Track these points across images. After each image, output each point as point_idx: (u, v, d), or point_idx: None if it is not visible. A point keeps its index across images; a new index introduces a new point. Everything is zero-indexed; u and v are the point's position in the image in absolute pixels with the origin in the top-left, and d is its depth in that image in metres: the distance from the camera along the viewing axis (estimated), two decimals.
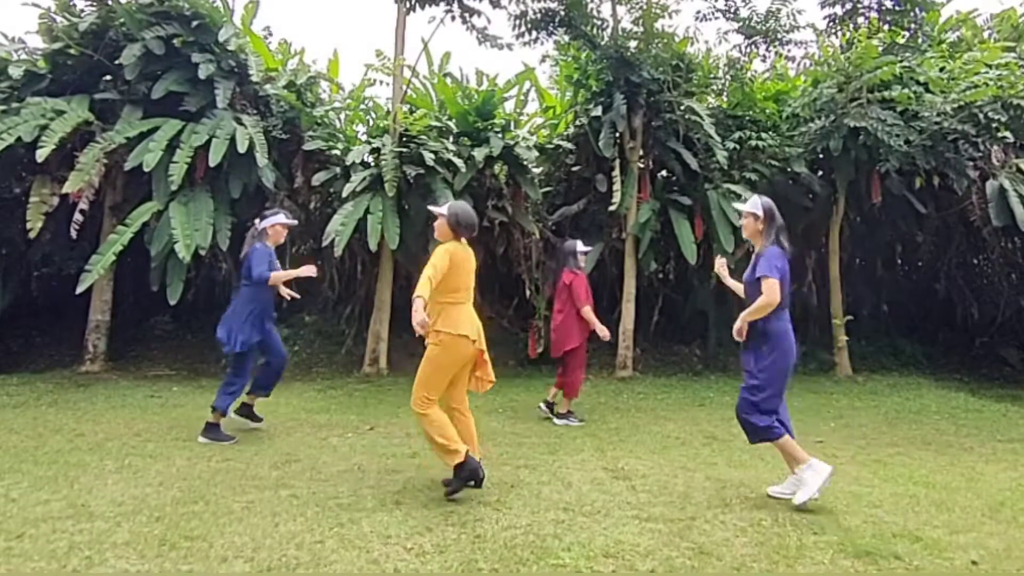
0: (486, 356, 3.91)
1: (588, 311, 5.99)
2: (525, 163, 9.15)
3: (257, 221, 5.33)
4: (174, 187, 7.60)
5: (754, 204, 3.81)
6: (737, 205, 4.03)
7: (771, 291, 3.61)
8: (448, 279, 3.68)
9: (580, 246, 6.23)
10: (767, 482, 4.06)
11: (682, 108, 8.94)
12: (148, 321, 9.58)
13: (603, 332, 6.00)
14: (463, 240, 3.88)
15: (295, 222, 5.71)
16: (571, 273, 6.07)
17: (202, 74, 7.83)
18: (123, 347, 8.90)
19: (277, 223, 5.22)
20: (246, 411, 5.38)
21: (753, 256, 3.85)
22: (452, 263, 3.68)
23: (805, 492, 3.50)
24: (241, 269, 5.23)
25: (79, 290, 7.51)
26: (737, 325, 3.72)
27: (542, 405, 6.25)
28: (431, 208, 4.13)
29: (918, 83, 8.44)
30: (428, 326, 3.65)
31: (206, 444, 4.81)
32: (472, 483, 3.63)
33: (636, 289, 9.15)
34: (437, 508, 3.43)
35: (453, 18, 8.58)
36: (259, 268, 4.94)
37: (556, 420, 6.02)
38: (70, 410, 6.07)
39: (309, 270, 5.25)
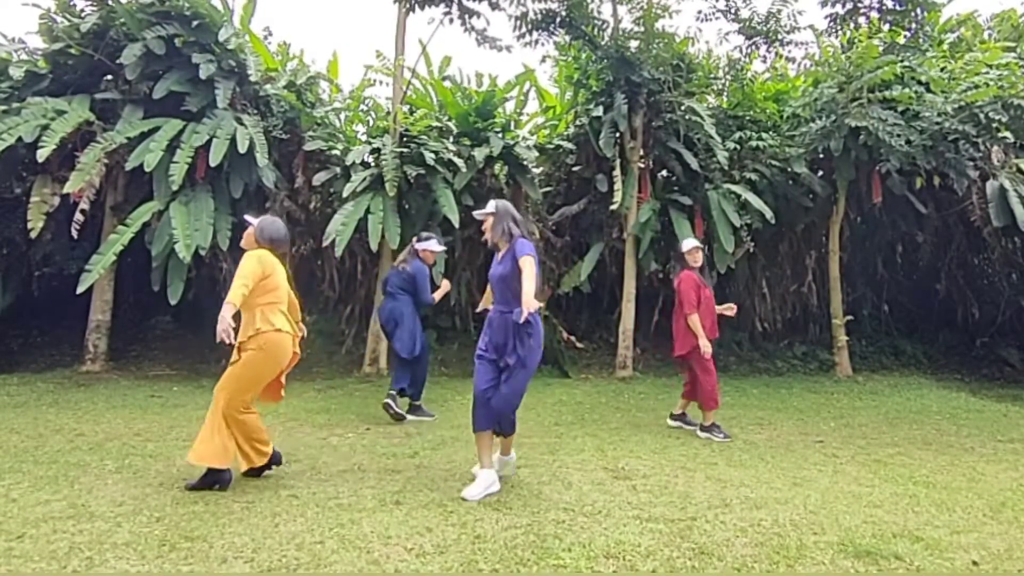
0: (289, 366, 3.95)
1: (694, 320, 5.47)
2: (525, 163, 9.15)
3: (414, 240, 6.16)
4: (175, 187, 7.60)
5: (490, 206, 4.03)
6: (476, 214, 4.16)
7: (530, 277, 3.62)
8: (266, 282, 3.74)
9: (686, 244, 5.83)
10: (767, 482, 4.07)
11: (683, 108, 8.94)
12: (149, 321, 9.59)
13: (704, 347, 5.45)
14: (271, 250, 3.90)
15: (443, 248, 6.54)
16: (682, 274, 5.68)
17: (203, 74, 7.83)
18: (124, 347, 8.90)
19: (429, 249, 6.03)
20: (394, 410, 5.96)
21: (501, 255, 3.97)
22: (265, 267, 3.73)
23: (472, 491, 3.64)
24: (401, 282, 5.97)
25: (80, 290, 7.51)
26: (526, 311, 3.57)
27: (670, 421, 5.91)
28: (246, 217, 4.14)
29: (919, 83, 8.44)
30: (240, 333, 3.70)
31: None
32: (221, 487, 3.69)
33: (636, 289, 9.14)
34: (437, 508, 3.42)
35: (452, 20, 8.58)
36: (427, 294, 5.87)
37: (699, 433, 5.55)
38: (70, 410, 6.07)
39: (445, 287, 6.35)
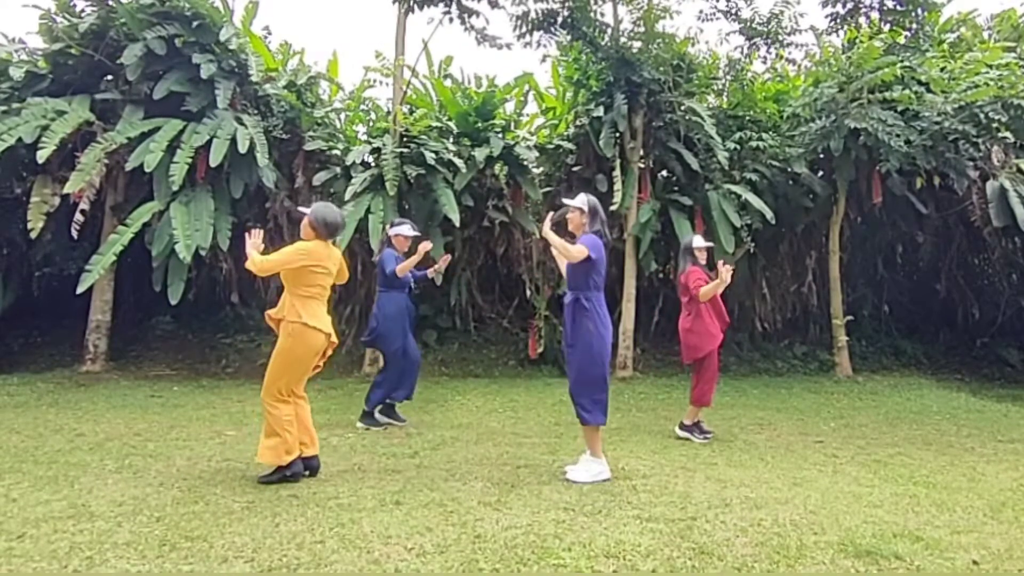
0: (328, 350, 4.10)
1: (705, 290, 5.23)
2: (525, 163, 9.15)
3: (387, 227, 6.02)
4: (175, 187, 7.61)
5: (581, 201, 4.19)
6: (566, 201, 4.30)
7: (579, 250, 3.94)
8: (304, 275, 3.85)
9: (696, 241, 5.65)
10: (767, 482, 4.06)
11: (683, 108, 8.94)
12: (149, 321, 9.59)
13: (725, 278, 5.04)
14: (328, 240, 4.01)
15: (418, 234, 6.20)
16: (690, 268, 5.47)
17: (203, 74, 7.83)
18: (124, 347, 8.91)
19: (401, 234, 5.76)
20: (389, 411, 5.82)
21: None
22: (308, 261, 3.84)
23: (578, 474, 3.99)
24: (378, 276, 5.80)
25: (80, 290, 7.51)
26: (547, 225, 4.14)
27: (678, 430, 5.51)
28: (300, 209, 4.24)
29: (919, 83, 8.44)
30: (278, 311, 3.87)
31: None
32: (292, 478, 3.82)
33: (636, 289, 9.14)
34: (437, 508, 3.42)
35: (451, 20, 8.57)
36: (389, 267, 5.51)
37: (678, 431, 5.44)
38: (70, 410, 6.07)
39: (425, 246, 5.70)
